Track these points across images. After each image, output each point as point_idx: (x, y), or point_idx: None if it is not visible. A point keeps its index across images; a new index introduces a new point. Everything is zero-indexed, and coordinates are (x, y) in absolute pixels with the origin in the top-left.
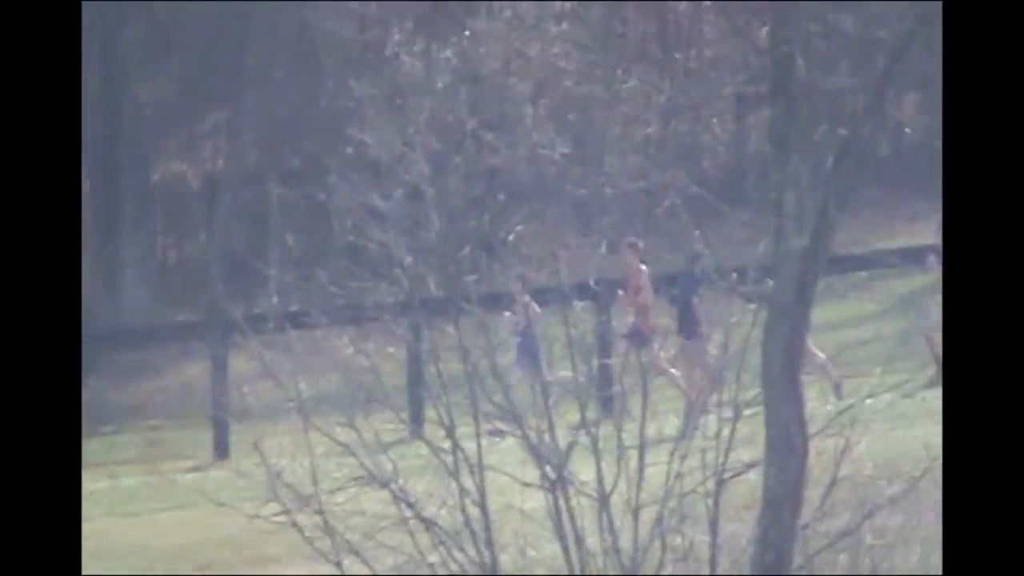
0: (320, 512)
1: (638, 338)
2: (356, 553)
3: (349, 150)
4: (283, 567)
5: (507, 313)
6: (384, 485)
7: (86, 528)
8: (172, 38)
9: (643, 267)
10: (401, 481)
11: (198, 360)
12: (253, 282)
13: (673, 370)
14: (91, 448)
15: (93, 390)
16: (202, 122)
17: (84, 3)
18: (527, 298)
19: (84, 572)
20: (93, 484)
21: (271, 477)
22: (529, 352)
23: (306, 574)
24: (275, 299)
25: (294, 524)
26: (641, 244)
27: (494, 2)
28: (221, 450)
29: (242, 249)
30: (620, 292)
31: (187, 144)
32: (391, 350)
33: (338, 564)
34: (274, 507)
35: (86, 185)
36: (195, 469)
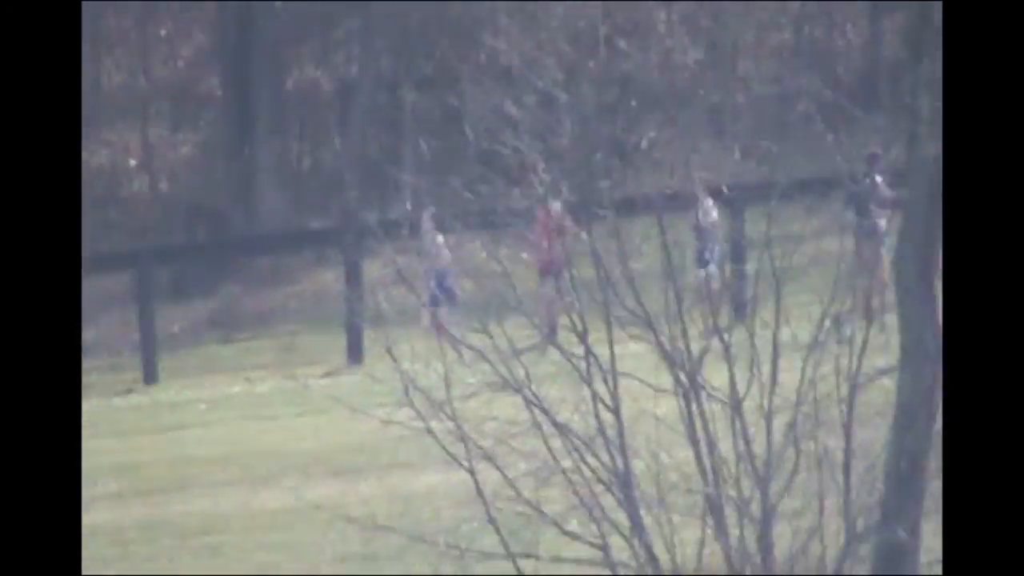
0: (453, 418)
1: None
2: (489, 459)
3: (482, 57)
4: (417, 472)
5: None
6: (517, 391)
7: (220, 432)
8: None
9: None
10: (534, 387)
11: (332, 266)
12: (387, 188)
13: None
14: (226, 354)
15: (228, 296)
16: (336, 29)
17: None
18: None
19: (226, 472)
20: (229, 388)
21: (405, 383)
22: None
23: (440, 479)
24: (409, 205)
25: (428, 430)
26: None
27: None
28: (355, 355)
29: (376, 155)
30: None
31: (321, 51)
32: (524, 256)
33: (471, 470)
34: (408, 413)
35: (221, 92)
36: (329, 375)
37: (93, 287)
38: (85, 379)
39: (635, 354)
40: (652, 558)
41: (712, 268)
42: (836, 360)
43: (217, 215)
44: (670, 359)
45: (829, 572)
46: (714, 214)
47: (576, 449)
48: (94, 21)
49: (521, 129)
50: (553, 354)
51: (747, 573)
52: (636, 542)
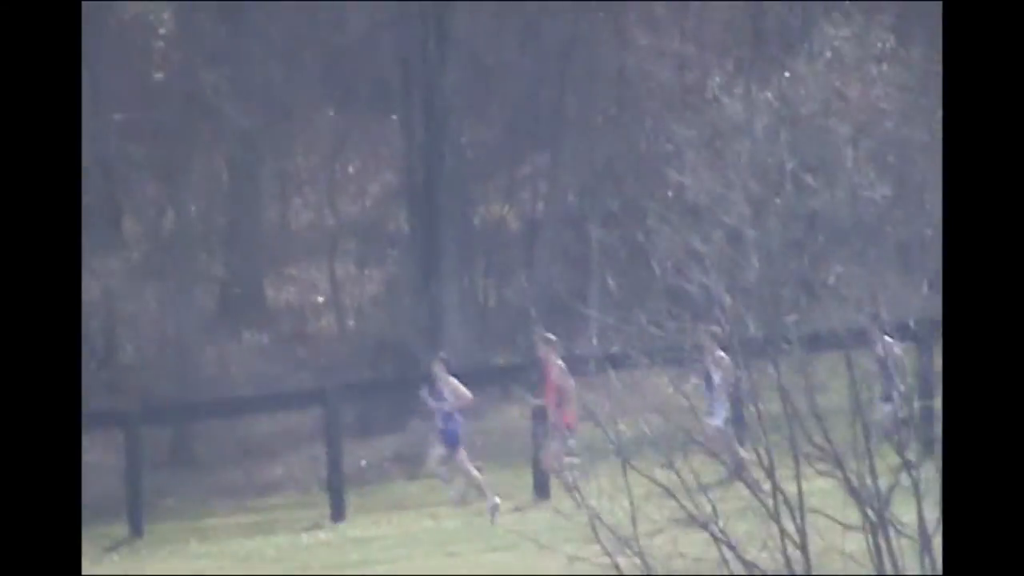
0: (640, 554)
1: (557, 432)
2: None
3: (669, 193)
4: None
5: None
6: (704, 526)
7: (406, 568)
8: (493, 83)
9: (560, 362)
10: (721, 523)
11: (518, 402)
12: (573, 324)
13: None
14: (413, 490)
15: (415, 433)
16: (523, 165)
17: (409, 50)
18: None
19: None
20: (416, 524)
21: (591, 519)
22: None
23: None
24: (595, 340)
25: (615, 566)
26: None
27: (814, 43)
28: (542, 491)
29: (562, 291)
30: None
31: (508, 187)
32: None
33: None
34: (595, 549)
35: (408, 228)
36: (516, 510)
37: (281, 423)
38: (273, 515)
39: (822, 490)
40: None
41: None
42: None
43: (404, 351)
44: (857, 495)
45: None
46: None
47: None
48: (283, 160)
49: (708, 264)
50: (740, 489)
51: None
52: None
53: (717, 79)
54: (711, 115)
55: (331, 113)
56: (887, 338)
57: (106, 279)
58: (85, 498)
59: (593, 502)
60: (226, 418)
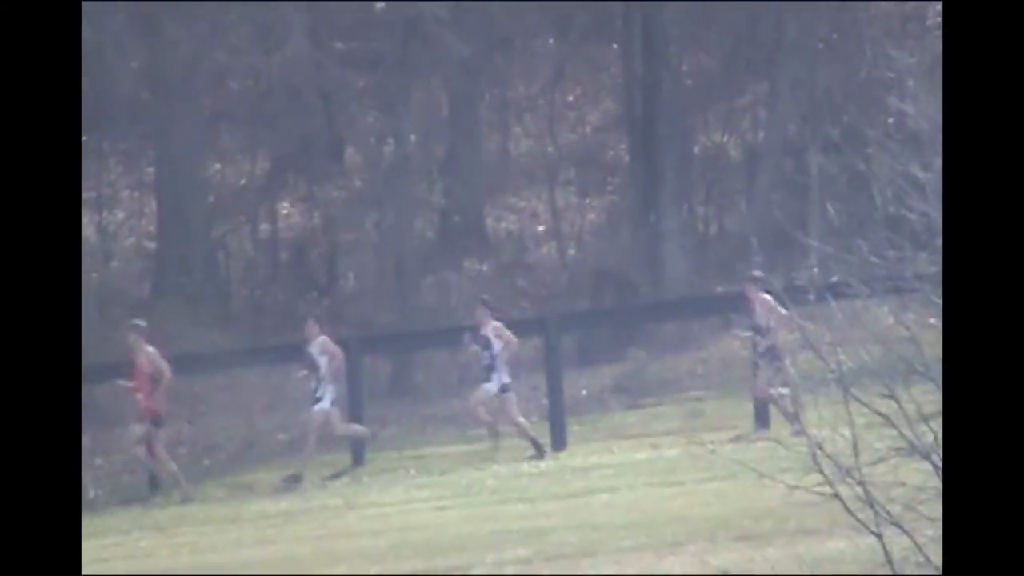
0: (861, 483)
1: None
2: (897, 524)
3: (889, 120)
4: (824, 538)
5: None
6: (925, 456)
7: (626, 497)
8: (712, 11)
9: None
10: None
11: (738, 332)
12: (793, 253)
13: None
14: (632, 419)
15: (634, 362)
16: (742, 94)
17: None
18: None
19: (632, 538)
20: (635, 455)
21: (812, 448)
22: None
23: (847, 544)
24: (815, 270)
25: (835, 495)
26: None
27: None
28: (762, 421)
29: (782, 220)
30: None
31: (727, 115)
32: (932, 321)
33: (879, 535)
34: (815, 478)
35: (628, 158)
36: (736, 440)
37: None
38: (496, 443)
39: None
40: None
41: None
42: None
43: (623, 281)
44: None
45: None
46: None
47: None
48: (503, 89)
49: (928, 192)
50: None
51: None
52: None
53: (938, 6)
54: (932, 42)
55: (551, 41)
56: None
57: (327, 208)
58: (308, 426)
59: (814, 431)
60: (446, 347)
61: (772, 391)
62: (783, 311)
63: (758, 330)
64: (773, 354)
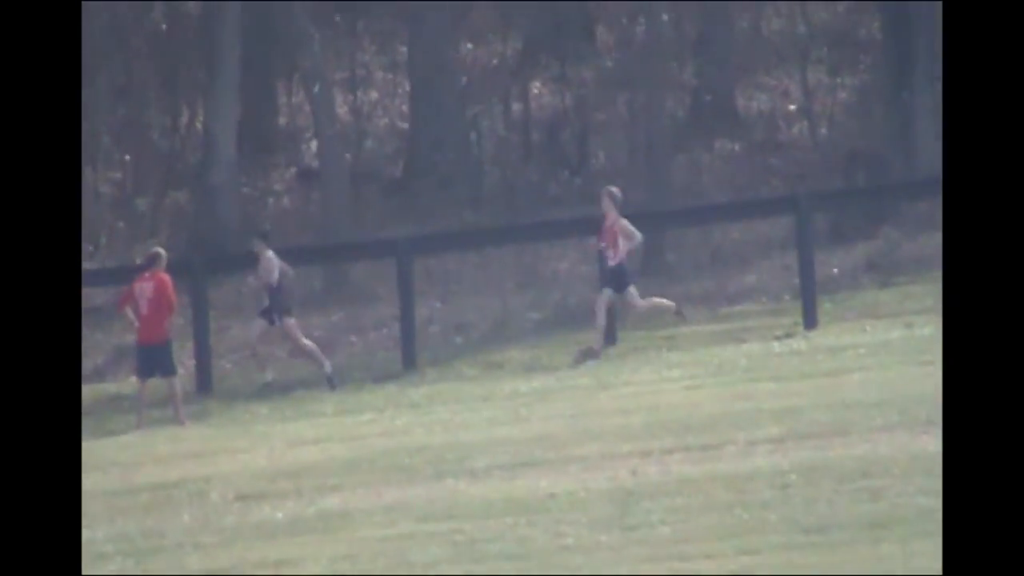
0: None
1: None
2: None
3: None
4: None
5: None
6: None
7: (878, 376)
8: None
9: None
10: None
11: None
12: None
13: None
14: (885, 298)
15: (887, 241)
16: None
17: None
18: None
19: (884, 416)
20: (888, 333)
21: None
22: None
23: None
24: None
25: None
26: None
27: None
28: None
29: None
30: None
31: None
32: None
33: None
34: None
35: (881, 36)
36: None
37: (753, 232)
38: (745, 323)
39: None
40: None
41: None
42: None
43: (875, 159)
44: None
45: None
46: None
47: None
48: None
49: None
50: None
51: None
52: None
53: None
54: None
55: None
56: None
57: (578, 88)
58: (560, 305)
59: None
60: (697, 226)
61: None
62: None
63: None
64: None
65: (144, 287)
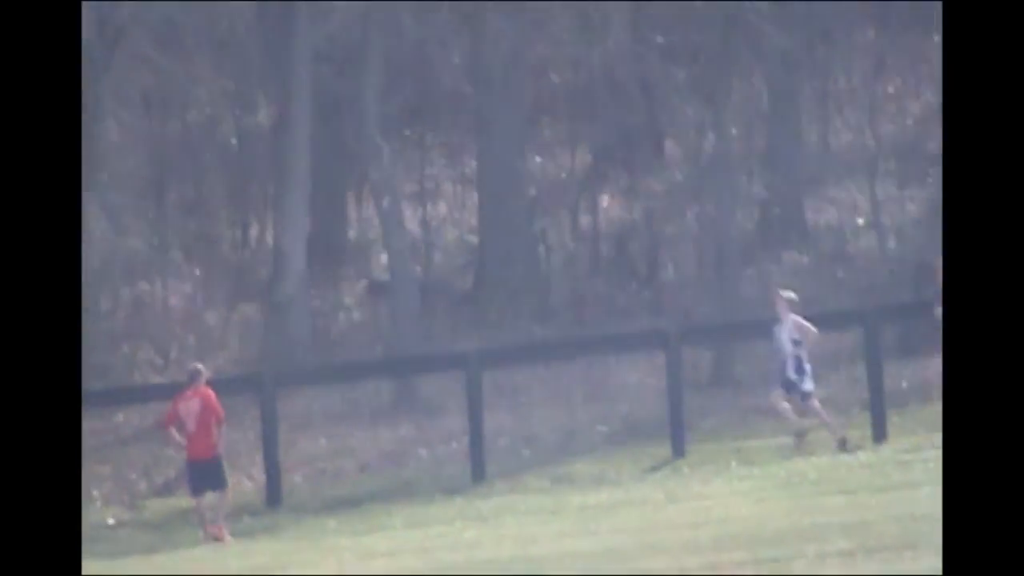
0: None
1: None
2: None
3: None
4: None
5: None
6: None
7: (920, 492)
8: None
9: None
10: None
11: None
12: None
13: None
14: None
15: None
16: None
17: None
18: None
19: None
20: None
21: None
22: None
23: None
24: None
25: None
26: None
27: None
28: None
29: None
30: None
31: None
32: None
33: None
34: None
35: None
36: None
37: (818, 346)
38: (814, 436)
39: None
40: None
41: None
42: None
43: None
44: None
45: None
46: None
47: None
48: (822, 81)
49: None
50: None
51: None
52: None
53: None
54: None
55: (870, 33)
56: None
57: (648, 200)
58: (628, 418)
59: None
60: (766, 339)
61: None
62: None
63: None
64: None
65: (189, 404)
